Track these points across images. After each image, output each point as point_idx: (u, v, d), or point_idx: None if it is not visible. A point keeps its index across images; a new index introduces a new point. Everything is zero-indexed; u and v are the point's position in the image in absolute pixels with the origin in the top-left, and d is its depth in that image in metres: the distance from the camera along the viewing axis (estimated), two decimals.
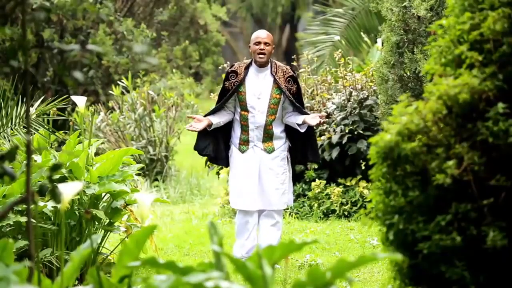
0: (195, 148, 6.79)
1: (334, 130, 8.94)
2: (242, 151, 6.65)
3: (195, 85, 13.80)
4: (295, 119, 6.64)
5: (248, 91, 6.62)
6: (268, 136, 6.64)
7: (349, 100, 9.02)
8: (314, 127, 6.86)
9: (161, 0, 15.30)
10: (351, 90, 9.08)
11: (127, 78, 11.85)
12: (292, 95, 6.60)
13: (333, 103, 9.13)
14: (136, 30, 13.72)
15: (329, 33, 12.20)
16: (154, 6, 15.20)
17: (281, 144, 6.69)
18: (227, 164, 6.83)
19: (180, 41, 15.10)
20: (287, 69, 6.69)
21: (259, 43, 6.59)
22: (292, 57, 10.10)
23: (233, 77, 6.66)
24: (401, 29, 7.55)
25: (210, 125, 6.64)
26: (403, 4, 7.50)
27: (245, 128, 6.65)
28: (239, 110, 6.67)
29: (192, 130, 6.62)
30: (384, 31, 7.71)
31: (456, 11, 3.53)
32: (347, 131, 8.80)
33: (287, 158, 6.75)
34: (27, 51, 2.71)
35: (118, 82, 12.41)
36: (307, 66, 9.77)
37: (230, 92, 6.61)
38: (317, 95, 9.36)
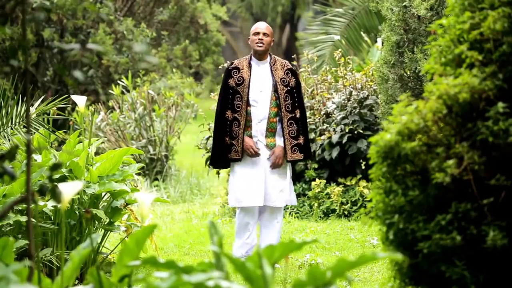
0: (217, 167, 6.83)
1: (334, 130, 8.94)
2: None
3: (195, 85, 13.80)
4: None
5: (251, 85, 6.65)
6: (271, 130, 6.62)
7: (349, 100, 9.02)
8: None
9: (161, 0, 15.30)
10: (351, 89, 9.08)
11: (127, 78, 11.85)
12: (290, 88, 6.64)
13: (333, 103, 9.13)
14: (136, 30, 13.72)
15: (329, 33, 12.19)
16: (154, 5, 15.20)
17: (282, 141, 6.66)
18: (226, 166, 6.81)
19: (180, 40, 15.10)
20: (285, 62, 6.78)
21: (258, 33, 6.68)
22: (292, 56, 10.10)
23: (236, 73, 6.68)
24: (401, 29, 7.55)
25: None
26: (403, 4, 7.49)
27: (248, 123, 6.63)
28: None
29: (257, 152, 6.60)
30: (384, 30, 7.71)
31: (456, 11, 3.53)
32: (347, 130, 8.80)
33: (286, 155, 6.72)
34: (27, 50, 2.71)
35: (118, 81, 12.42)
36: (307, 66, 9.78)
37: (241, 87, 6.62)
38: (317, 94, 9.36)
